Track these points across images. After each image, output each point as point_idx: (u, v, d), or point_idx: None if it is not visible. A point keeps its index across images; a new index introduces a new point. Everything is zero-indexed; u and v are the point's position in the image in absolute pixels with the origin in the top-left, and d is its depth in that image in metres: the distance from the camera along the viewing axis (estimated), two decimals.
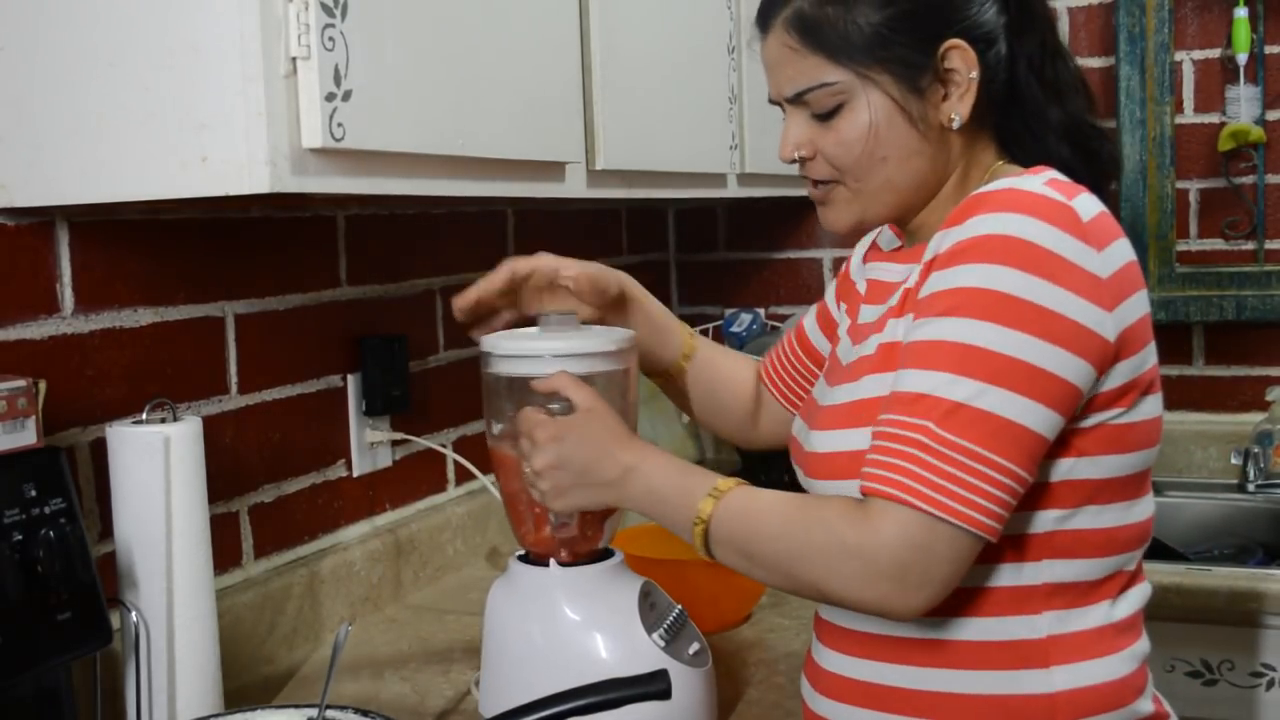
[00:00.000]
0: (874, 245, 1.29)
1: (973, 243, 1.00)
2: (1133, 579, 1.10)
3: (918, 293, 1.05)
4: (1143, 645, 1.11)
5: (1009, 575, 1.05)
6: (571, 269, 1.28)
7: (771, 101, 1.16)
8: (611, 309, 1.33)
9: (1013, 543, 1.03)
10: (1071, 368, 0.98)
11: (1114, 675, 1.06)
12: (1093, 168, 1.13)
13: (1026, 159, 1.13)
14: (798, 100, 1.12)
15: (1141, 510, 1.09)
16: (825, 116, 1.11)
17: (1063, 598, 1.05)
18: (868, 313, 1.18)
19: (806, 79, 1.10)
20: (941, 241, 1.04)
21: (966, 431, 0.96)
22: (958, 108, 1.10)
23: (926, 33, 1.08)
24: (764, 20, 1.14)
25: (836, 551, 0.99)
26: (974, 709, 1.05)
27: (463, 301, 1.28)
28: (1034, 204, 1.00)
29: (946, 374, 0.97)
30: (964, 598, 1.04)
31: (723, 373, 1.43)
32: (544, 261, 1.29)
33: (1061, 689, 1.04)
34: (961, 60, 1.09)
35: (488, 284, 1.28)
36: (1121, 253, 1.02)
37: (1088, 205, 1.02)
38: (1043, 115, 1.13)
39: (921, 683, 1.07)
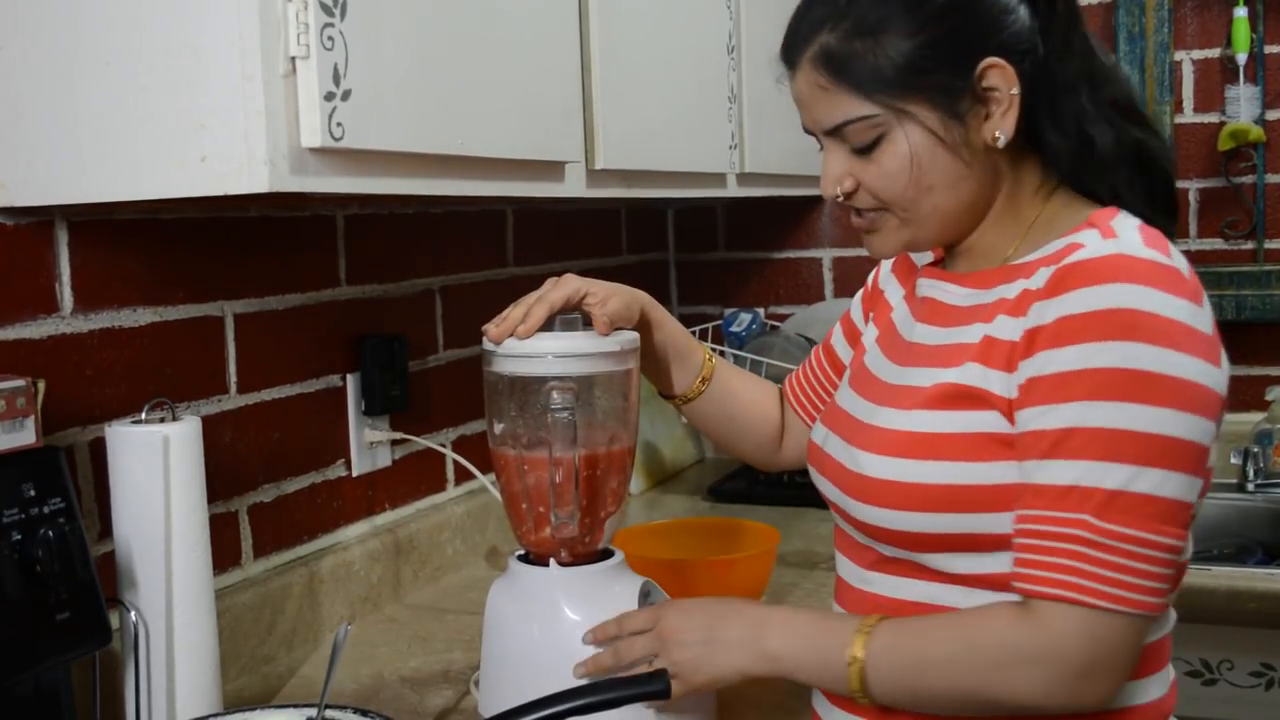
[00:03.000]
0: (905, 257, 1.28)
1: (1090, 319, 0.96)
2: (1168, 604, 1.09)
3: (1015, 356, 1.01)
4: (1170, 669, 1.10)
5: None
6: (598, 294, 1.26)
7: (807, 131, 1.14)
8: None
9: None
10: (1206, 432, 0.97)
11: (1149, 698, 1.06)
12: (1154, 204, 1.10)
13: (1076, 177, 1.10)
14: (835, 134, 1.09)
15: (1189, 548, 1.06)
16: (865, 150, 1.08)
17: None
18: (925, 333, 1.14)
19: (840, 114, 1.07)
20: (1044, 312, 0.99)
21: (1126, 519, 0.94)
22: (1001, 126, 1.06)
23: (961, 55, 1.05)
24: (789, 57, 1.11)
25: (1015, 662, 0.98)
26: None
27: (499, 334, 1.24)
28: (1144, 272, 0.97)
29: (1096, 462, 0.95)
30: None
31: (742, 395, 1.41)
32: (573, 287, 1.26)
33: (1097, 712, 1.02)
34: (1001, 78, 1.05)
35: (527, 328, 1.23)
36: (1209, 303, 1.01)
37: (1181, 260, 1.01)
38: (1084, 117, 1.08)
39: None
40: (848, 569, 1.17)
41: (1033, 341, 0.99)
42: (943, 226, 1.11)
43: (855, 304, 1.37)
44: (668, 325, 1.35)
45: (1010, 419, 1.01)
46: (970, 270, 1.13)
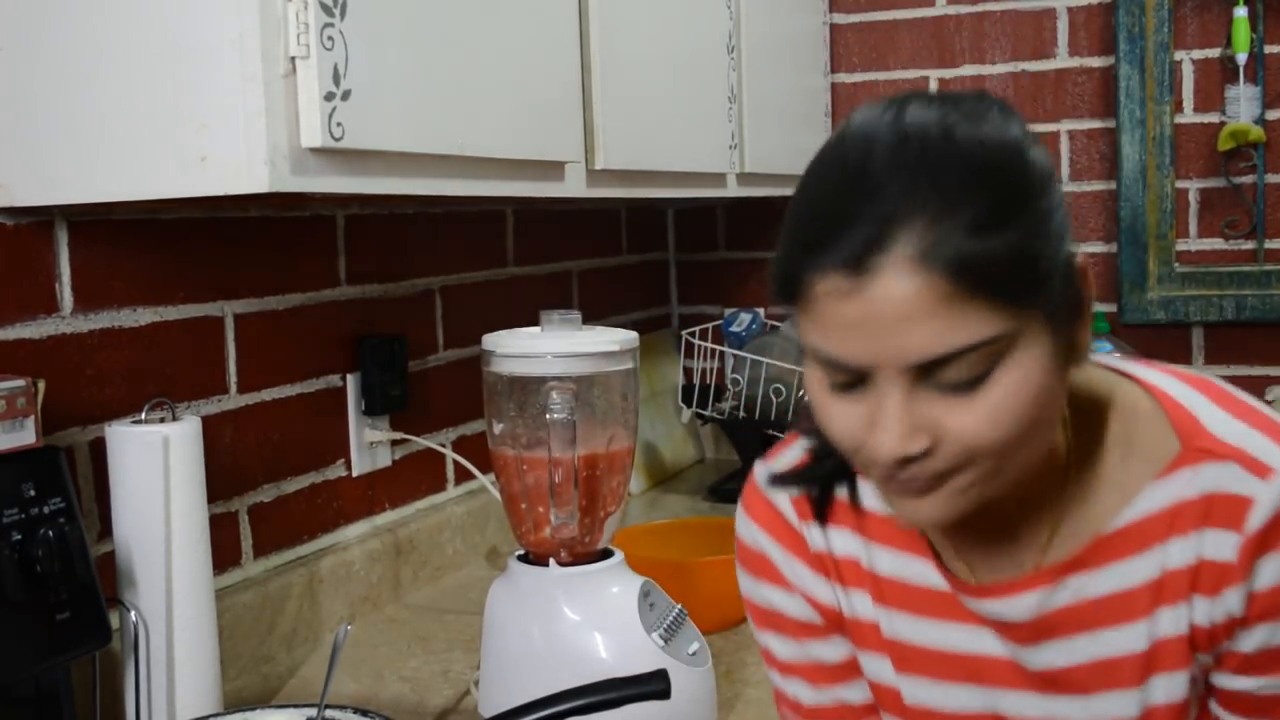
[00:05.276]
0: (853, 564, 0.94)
1: None
2: None
3: (1210, 640, 0.85)
4: None
5: None
6: None
7: (843, 368, 0.77)
8: None
9: None
10: None
11: None
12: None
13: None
14: (933, 366, 0.75)
15: None
16: (967, 385, 0.76)
17: None
18: (1061, 650, 0.88)
19: (964, 336, 0.74)
20: (1253, 584, 0.82)
21: None
22: (1085, 338, 0.81)
23: (1064, 245, 0.78)
24: (863, 260, 0.73)
25: None
26: None
27: None
28: None
29: None
30: None
31: None
32: None
33: None
34: (1088, 277, 0.81)
35: None
36: None
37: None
38: None
39: None
40: None
41: (1246, 618, 0.83)
42: (1016, 482, 0.82)
43: (811, 596, 0.97)
44: None
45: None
46: (1020, 561, 0.88)
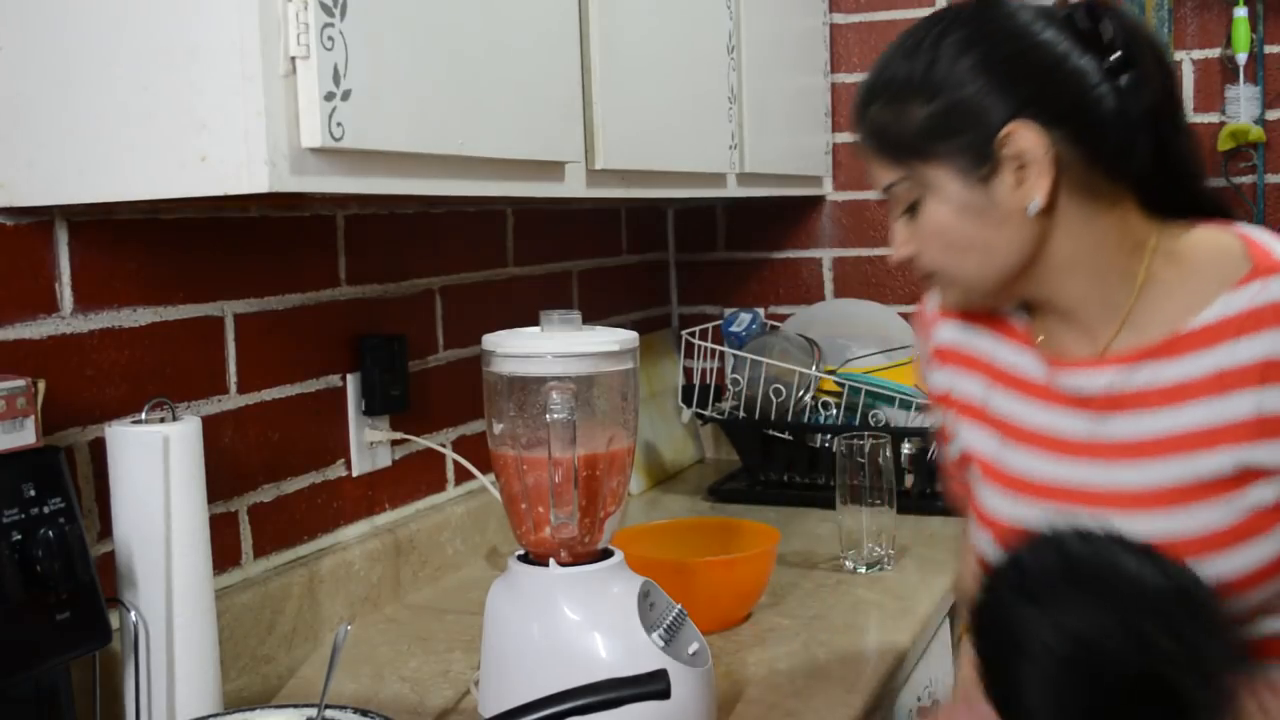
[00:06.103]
0: (998, 323, 1.22)
1: None
2: None
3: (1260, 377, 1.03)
4: None
5: None
6: None
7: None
8: None
9: None
10: None
11: None
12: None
13: (1179, 209, 1.14)
14: (888, 197, 1.15)
15: None
16: (910, 212, 1.13)
17: None
18: (1144, 422, 1.10)
19: (881, 179, 1.14)
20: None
21: None
22: (1034, 192, 1.07)
23: (980, 120, 1.07)
24: (854, 123, 1.17)
25: None
26: None
27: None
28: None
29: None
30: None
31: None
32: None
33: None
34: (1029, 141, 1.06)
35: None
36: None
37: None
38: (1185, 162, 1.13)
39: None
40: None
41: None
42: (997, 289, 1.14)
43: (940, 376, 1.29)
44: None
45: None
46: (1112, 346, 1.11)
